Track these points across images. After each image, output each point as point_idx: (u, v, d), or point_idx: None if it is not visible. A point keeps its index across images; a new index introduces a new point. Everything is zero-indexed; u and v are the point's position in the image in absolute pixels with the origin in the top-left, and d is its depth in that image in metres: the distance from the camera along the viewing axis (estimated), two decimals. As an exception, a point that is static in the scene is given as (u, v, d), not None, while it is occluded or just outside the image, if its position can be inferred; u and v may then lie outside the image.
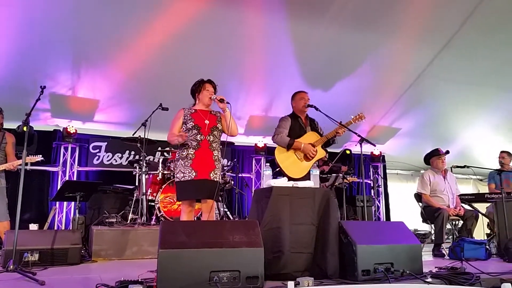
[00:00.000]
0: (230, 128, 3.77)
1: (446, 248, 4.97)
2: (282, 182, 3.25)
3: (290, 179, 3.51)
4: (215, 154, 3.72)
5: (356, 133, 4.11)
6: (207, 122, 3.75)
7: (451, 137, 9.23)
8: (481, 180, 11.04)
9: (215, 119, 3.82)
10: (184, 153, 3.69)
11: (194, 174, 3.61)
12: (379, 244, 3.07)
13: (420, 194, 5.44)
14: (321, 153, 4.19)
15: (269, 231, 2.98)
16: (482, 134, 9.24)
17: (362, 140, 4.02)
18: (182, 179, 3.64)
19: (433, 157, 5.49)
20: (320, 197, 3.21)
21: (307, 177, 3.85)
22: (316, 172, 3.40)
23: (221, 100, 3.70)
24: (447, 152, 5.52)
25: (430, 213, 5.35)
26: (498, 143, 9.13)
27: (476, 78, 7.62)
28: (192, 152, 3.66)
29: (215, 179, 3.67)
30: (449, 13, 6.38)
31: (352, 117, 4.27)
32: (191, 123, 3.72)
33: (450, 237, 6.05)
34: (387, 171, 9.61)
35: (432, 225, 5.38)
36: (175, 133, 3.66)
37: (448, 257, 4.71)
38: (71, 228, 6.13)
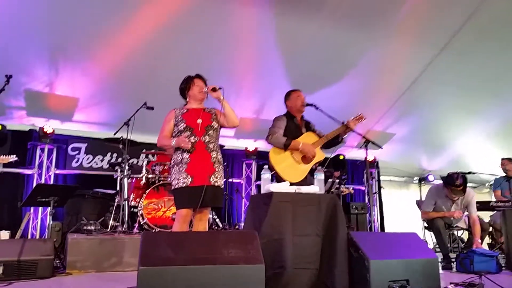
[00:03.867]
0: (228, 117, 3.40)
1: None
2: (283, 187, 2.86)
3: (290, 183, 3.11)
4: (213, 156, 3.35)
5: (360, 134, 3.76)
6: (199, 121, 3.38)
7: (445, 144, 9.03)
8: (474, 187, 10.85)
9: (209, 117, 3.44)
10: (178, 158, 3.33)
11: (190, 180, 3.23)
12: (393, 258, 2.71)
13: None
14: (320, 156, 3.83)
15: (268, 244, 2.59)
16: (476, 141, 9.01)
17: (368, 143, 3.66)
18: (177, 186, 3.26)
19: (447, 185, 4.77)
20: (326, 205, 2.83)
21: (305, 181, 3.49)
22: (321, 176, 3.02)
23: (214, 89, 3.35)
24: (465, 184, 4.74)
25: (428, 223, 5.12)
26: (491, 151, 8.95)
27: (474, 84, 7.36)
28: (187, 156, 3.29)
29: (216, 184, 3.29)
30: (448, 15, 6.10)
31: (352, 118, 3.93)
32: (183, 124, 3.36)
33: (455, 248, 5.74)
34: (381, 177, 9.30)
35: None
36: (182, 139, 3.28)
37: (455, 270, 4.38)
38: (47, 236, 5.70)
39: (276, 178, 3.55)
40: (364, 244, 2.66)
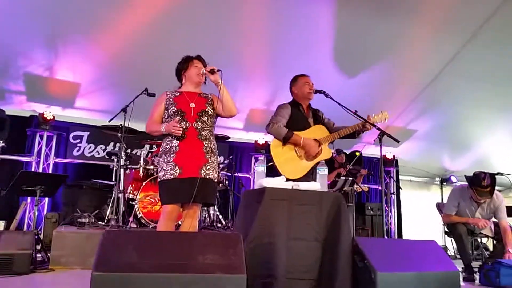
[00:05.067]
0: (225, 104, 3.02)
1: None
2: (278, 182, 2.46)
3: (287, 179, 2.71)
4: (206, 145, 2.98)
5: (375, 126, 3.32)
6: (192, 105, 3.02)
7: (470, 142, 8.46)
8: (500, 191, 10.19)
9: (205, 102, 3.08)
10: (167, 146, 2.99)
11: (178, 171, 2.88)
12: (405, 270, 2.31)
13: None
14: (326, 154, 3.39)
15: (258, 248, 2.21)
16: (503, 141, 8.40)
17: (383, 135, 3.22)
18: (163, 178, 2.91)
19: (473, 185, 4.29)
20: (328, 204, 2.43)
21: (305, 179, 3.08)
22: (323, 171, 2.61)
23: (212, 71, 2.99)
24: (493, 185, 4.28)
25: (449, 228, 4.65)
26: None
27: (502, 78, 6.81)
28: (176, 144, 2.94)
29: (208, 177, 2.92)
30: (475, 3, 5.60)
31: (374, 115, 3.48)
32: (173, 107, 3.01)
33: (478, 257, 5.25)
34: (400, 177, 8.77)
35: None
36: (172, 125, 2.91)
37: (479, 283, 3.90)
38: (43, 227, 5.46)
39: (276, 172, 3.16)
40: (372, 253, 2.25)
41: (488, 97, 7.20)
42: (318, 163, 2.89)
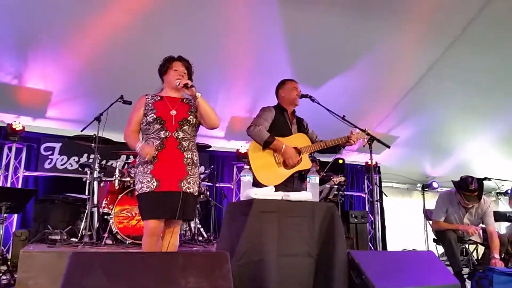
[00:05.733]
0: (205, 118, 2.81)
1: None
2: (267, 192, 2.26)
3: (261, 186, 2.51)
4: (186, 156, 2.75)
5: (363, 130, 3.17)
6: (173, 113, 2.78)
7: (451, 148, 8.48)
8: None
9: (187, 109, 2.84)
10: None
11: (155, 184, 2.64)
12: (405, 285, 2.12)
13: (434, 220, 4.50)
14: (306, 164, 3.18)
15: (246, 267, 2.01)
16: (485, 146, 8.42)
17: (373, 140, 3.08)
18: (140, 192, 2.68)
19: (460, 190, 4.24)
20: (321, 216, 2.24)
21: (282, 187, 2.82)
22: (314, 179, 2.42)
23: (186, 86, 2.75)
24: (480, 190, 4.24)
25: (438, 235, 4.51)
26: (501, 157, 8.40)
27: (486, 82, 6.78)
28: (155, 155, 2.69)
29: (188, 191, 2.69)
30: (460, 4, 5.55)
31: (358, 130, 3.32)
32: (152, 115, 2.74)
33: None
34: (382, 183, 8.71)
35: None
36: (148, 148, 2.67)
37: (471, 291, 3.79)
38: (11, 246, 5.11)
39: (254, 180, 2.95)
40: (369, 267, 2.08)
41: (470, 102, 7.19)
42: (301, 172, 2.70)
